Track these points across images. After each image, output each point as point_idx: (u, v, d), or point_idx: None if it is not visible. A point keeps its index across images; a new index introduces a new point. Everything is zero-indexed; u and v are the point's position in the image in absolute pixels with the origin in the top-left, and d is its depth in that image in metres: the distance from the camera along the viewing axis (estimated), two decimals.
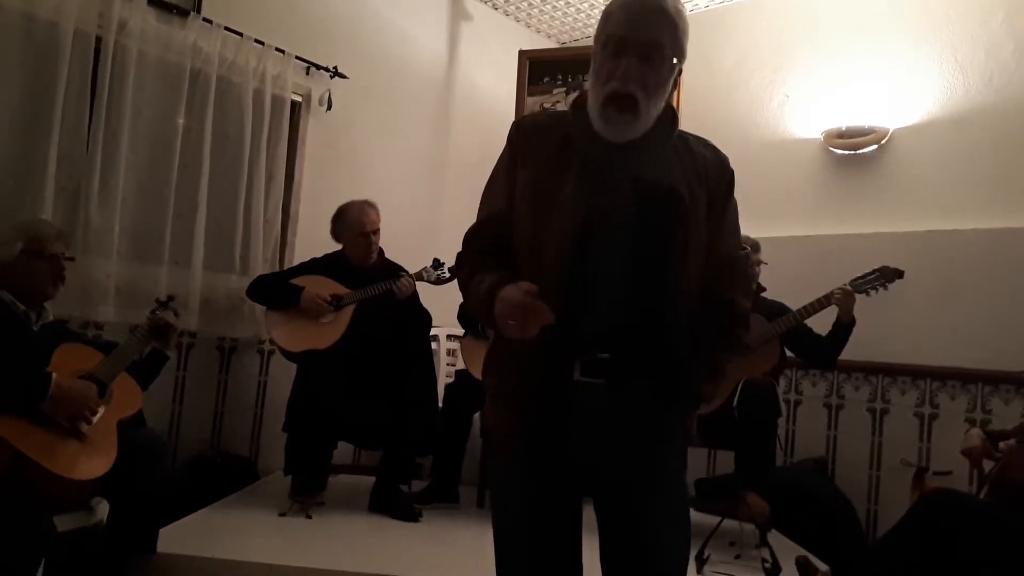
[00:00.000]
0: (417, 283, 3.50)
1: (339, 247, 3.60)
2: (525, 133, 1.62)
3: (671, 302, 1.48)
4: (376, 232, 3.53)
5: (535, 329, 1.38)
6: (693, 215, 1.49)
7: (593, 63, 1.54)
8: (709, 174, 1.55)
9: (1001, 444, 2.68)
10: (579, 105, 1.56)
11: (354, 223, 3.49)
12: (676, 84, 1.54)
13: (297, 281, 3.45)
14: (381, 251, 3.59)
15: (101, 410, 2.30)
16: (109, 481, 2.27)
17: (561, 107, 4.41)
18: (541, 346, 1.46)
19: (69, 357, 2.37)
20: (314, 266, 3.55)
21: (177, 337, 2.77)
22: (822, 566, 2.87)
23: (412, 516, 3.20)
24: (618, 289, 1.47)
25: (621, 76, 1.45)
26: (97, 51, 3.22)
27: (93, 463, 2.22)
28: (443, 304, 3.69)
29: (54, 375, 2.20)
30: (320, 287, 3.43)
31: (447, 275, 3.52)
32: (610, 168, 1.50)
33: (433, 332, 3.73)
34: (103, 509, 2.40)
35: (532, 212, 1.52)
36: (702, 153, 1.58)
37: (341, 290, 3.44)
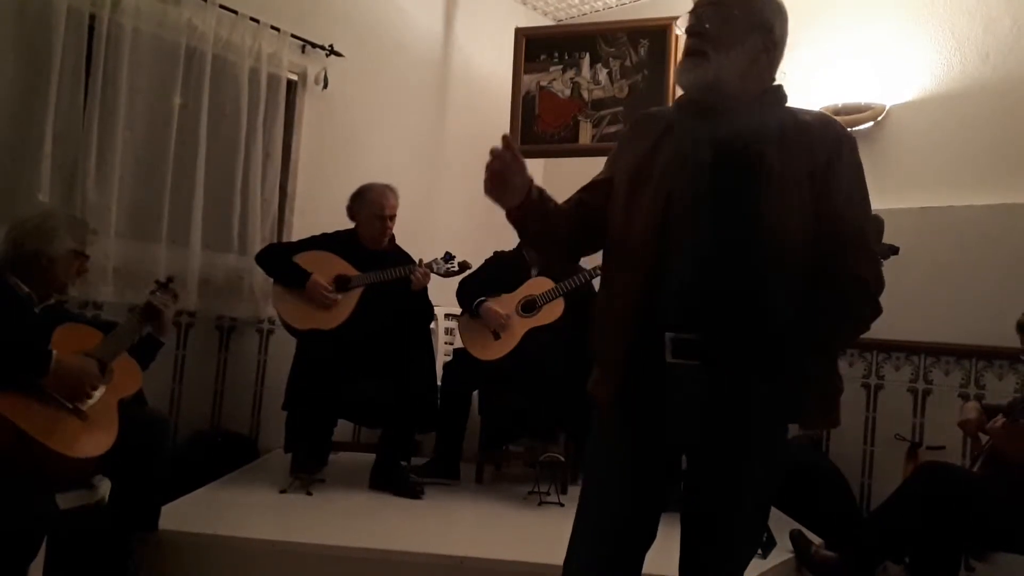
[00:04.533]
0: None
1: (341, 225, 3.60)
2: (638, 121, 1.72)
3: (765, 270, 1.45)
4: (392, 217, 3.54)
5: (502, 185, 1.53)
6: (784, 178, 1.46)
7: None
8: (811, 138, 1.52)
9: (988, 425, 2.71)
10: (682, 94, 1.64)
11: (373, 204, 3.50)
12: (768, 54, 1.58)
13: (306, 257, 3.44)
14: (392, 236, 3.60)
15: (101, 388, 2.31)
16: (111, 459, 2.28)
17: (557, 85, 4.39)
18: (632, 318, 1.51)
19: (69, 337, 2.37)
20: (325, 241, 3.55)
21: (172, 321, 2.77)
22: (816, 539, 2.92)
23: (414, 492, 3.23)
24: (705, 257, 1.46)
25: (688, 35, 1.55)
26: (91, 29, 3.20)
27: (93, 441, 2.23)
28: (442, 282, 3.70)
29: (55, 352, 2.21)
30: (328, 266, 3.43)
31: (456, 269, 3.53)
32: (700, 141, 1.52)
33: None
34: (105, 487, 2.42)
35: (627, 187, 1.58)
36: (805, 121, 1.56)
37: (349, 270, 3.44)
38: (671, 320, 1.49)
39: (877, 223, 1.57)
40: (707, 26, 1.53)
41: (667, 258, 1.49)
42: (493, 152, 1.51)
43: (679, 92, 1.65)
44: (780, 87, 1.61)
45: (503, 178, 1.53)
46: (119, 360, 2.45)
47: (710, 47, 1.51)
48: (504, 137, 1.51)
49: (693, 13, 1.57)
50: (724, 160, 1.50)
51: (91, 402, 2.27)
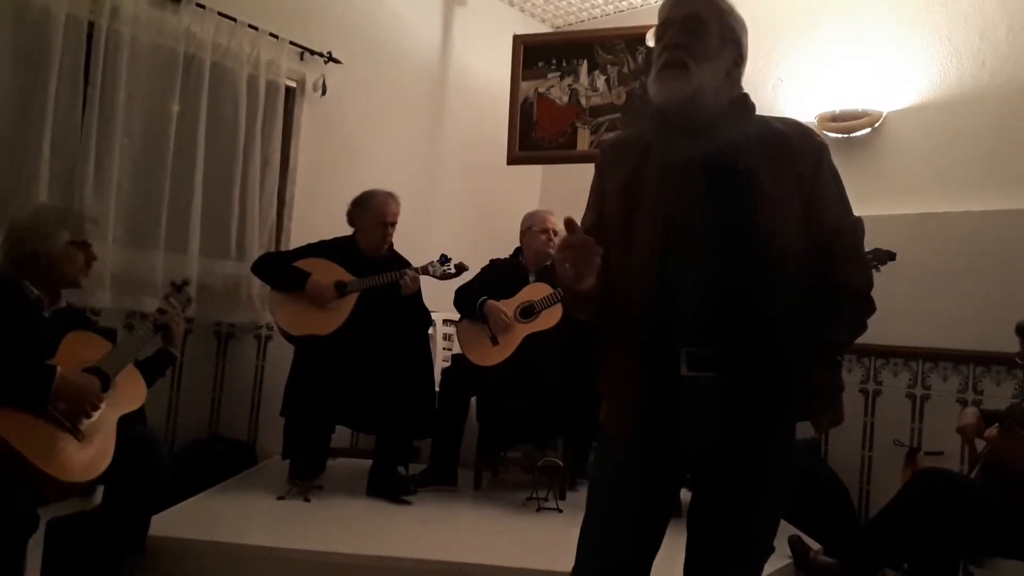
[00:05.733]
0: (422, 276, 3.49)
1: (339, 232, 3.61)
2: (608, 152, 1.71)
3: (769, 282, 1.48)
4: (394, 224, 3.55)
5: (587, 265, 1.42)
6: (774, 189, 1.50)
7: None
8: (792, 148, 1.55)
9: (986, 432, 2.72)
10: (656, 111, 1.63)
11: (375, 211, 3.52)
12: (738, 68, 1.59)
13: (303, 264, 3.45)
14: (391, 243, 3.60)
15: (103, 407, 2.28)
16: (105, 476, 2.25)
17: (555, 91, 4.41)
18: (645, 348, 1.51)
19: (76, 346, 2.34)
20: (322, 249, 3.55)
21: (182, 334, 2.74)
22: (815, 545, 2.91)
23: (407, 490, 3.22)
24: (711, 277, 1.48)
25: (665, 48, 1.53)
26: (90, 36, 3.21)
27: (89, 465, 2.20)
28: (439, 289, 3.70)
29: (59, 369, 2.17)
30: (325, 272, 3.43)
31: (452, 271, 3.53)
32: (686, 160, 1.53)
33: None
34: (100, 492, 2.39)
35: (620, 218, 1.57)
36: (781, 130, 1.58)
37: (346, 276, 3.44)
38: (684, 339, 1.50)
39: (860, 225, 1.61)
40: (686, 39, 1.52)
41: (671, 281, 1.50)
42: (570, 241, 1.42)
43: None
44: (747, 95, 1.62)
45: (587, 262, 1.43)
46: (125, 375, 2.42)
47: (690, 59, 1.51)
48: (568, 221, 1.42)
49: (668, 27, 1.56)
50: (717, 178, 1.51)
51: (90, 421, 2.24)
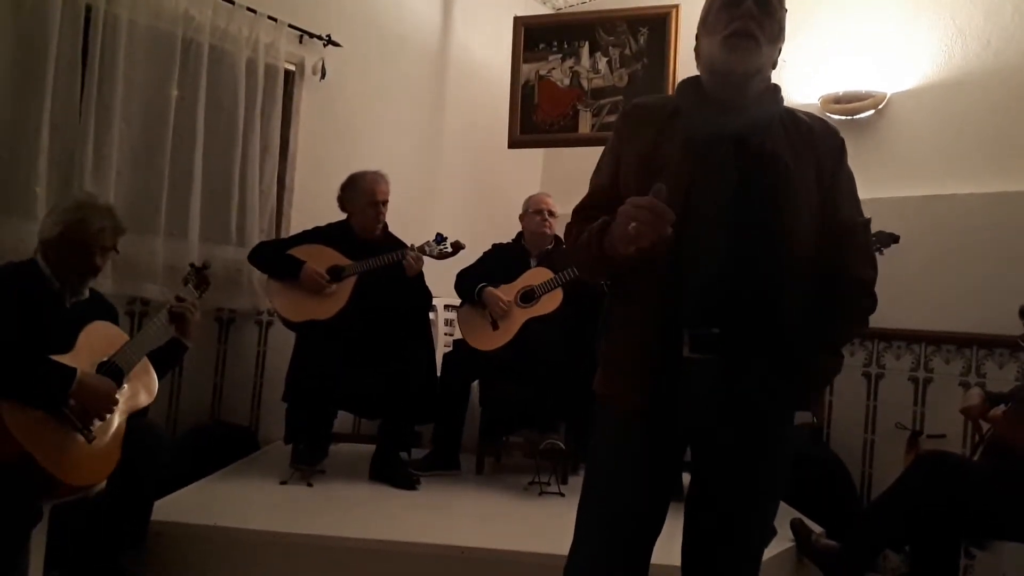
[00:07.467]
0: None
1: (340, 217, 3.60)
2: (631, 114, 1.68)
3: (781, 268, 1.48)
4: (385, 203, 3.53)
5: (659, 230, 1.34)
6: (797, 177, 1.51)
7: (705, 19, 1.60)
8: (816, 140, 1.58)
9: (989, 414, 2.72)
10: (688, 80, 1.63)
11: (366, 191, 3.49)
12: (776, 61, 1.61)
13: (298, 251, 3.44)
14: (385, 224, 3.59)
15: (116, 410, 2.28)
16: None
17: (556, 73, 4.38)
18: (656, 320, 1.50)
19: (94, 338, 2.33)
20: (317, 235, 3.54)
21: (197, 325, 2.69)
22: (817, 528, 2.92)
23: (410, 484, 3.23)
24: (725, 255, 1.48)
25: (740, 17, 1.51)
26: (87, 20, 3.18)
27: (96, 470, 2.20)
28: (440, 274, 3.69)
29: (78, 372, 2.15)
30: (321, 258, 3.42)
31: (449, 250, 3.51)
32: (715, 134, 1.53)
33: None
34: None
35: (638, 181, 1.53)
36: (807, 122, 1.61)
37: (342, 261, 3.43)
38: (692, 316, 1.50)
39: (869, 225, 1.65)
40: (759, 16, 1.53)
41: (686, 254, 1.49)
42: (653, 205, 1.34)
43: (679, 79, 1.64)
44: (778, 86, 1.64)
45: (654, 231, 1.35)
46: (138, 370, 2.41)
47: (762, 36, 1.52)
48: (658, 188, 1.36)
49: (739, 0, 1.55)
50: (744, 156, 1.51)
51: (101, 423, 2.23)
